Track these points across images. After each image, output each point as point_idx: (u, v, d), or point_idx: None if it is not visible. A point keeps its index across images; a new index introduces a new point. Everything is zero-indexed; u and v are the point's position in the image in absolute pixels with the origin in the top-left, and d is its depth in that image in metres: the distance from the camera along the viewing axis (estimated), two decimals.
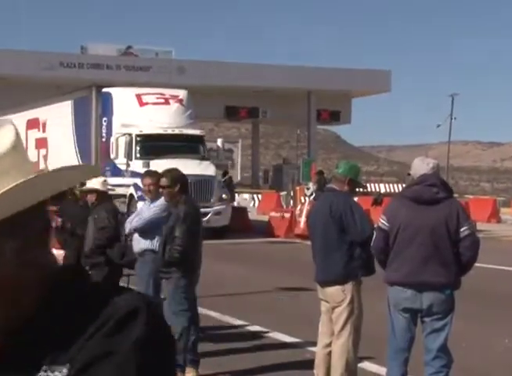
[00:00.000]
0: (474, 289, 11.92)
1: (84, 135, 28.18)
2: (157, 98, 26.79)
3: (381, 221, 6.26)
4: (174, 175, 8.07)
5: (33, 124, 32.93)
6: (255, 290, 13.76)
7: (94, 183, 8.97)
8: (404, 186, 6.86)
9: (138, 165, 23.84)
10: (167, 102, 26.72)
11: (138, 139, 25.25)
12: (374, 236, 6.35)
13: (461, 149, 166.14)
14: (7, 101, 45.38)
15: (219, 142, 29.00)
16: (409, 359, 6.30)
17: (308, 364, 7.62)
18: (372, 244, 6.37)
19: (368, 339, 7.12)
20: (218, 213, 23.59)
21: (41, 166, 30.01)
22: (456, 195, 6.66)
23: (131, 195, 24.04)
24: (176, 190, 7.85)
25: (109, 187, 10.11)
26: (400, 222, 6.13)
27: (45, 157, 31.55)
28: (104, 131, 26.99)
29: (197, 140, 25.92)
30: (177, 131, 25.54)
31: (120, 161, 25.23)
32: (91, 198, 9.20)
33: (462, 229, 6.10)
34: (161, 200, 8.61)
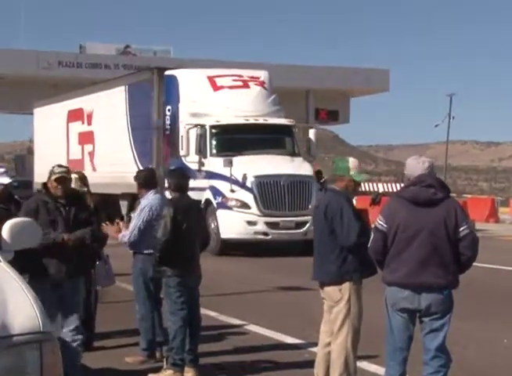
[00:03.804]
0: (473, 288, 11.94)
1: (141, 128, 23.29)
2: (234, 80, 21.94)
3: (379, 222, 6.24)
4: (170, 173, 8.40)
5: (75, 115, 28.08)
6: (254, 289, 13.77)
7: None
8: (402, 185, 6.84)
9: (215, 164, 20.06)
10: (246, 85, 21.93)
11: (214, 131, 20.64)
12: (371, 236, 6.33)
13: (459, 148, 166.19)
14: (5, 100, 45.45)
15: (311, 133, 22.52)
16: (407, 358, 6.31)
17: (308, 364, 7.64)
18: (369, 245, 6.36)
19: (366, 338, 7.13)
20: None
21: (87, 165, 26.33)
22: (453, 195, 6.66)
23: (208, 201, 19.99)
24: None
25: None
26: (399, 223, 6.12)
27: (91, 155, 26.67)
28: (168, 122, 22.08)
29: (286, 131, 21.40)
30: (261, 121, 20.93)
31: (192, 159, 20.63)
32: None
33: (461, 229, 6.10)
34: (147, 199, 8.64)
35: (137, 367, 8.25)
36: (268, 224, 19.29)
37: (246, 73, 22.51)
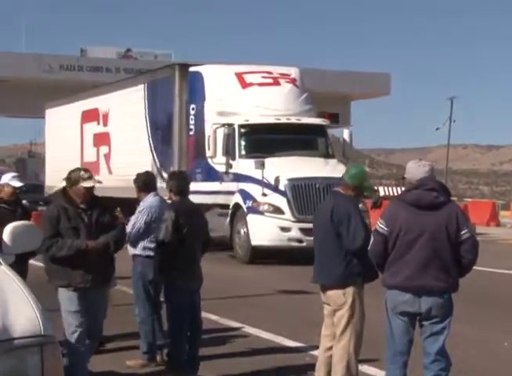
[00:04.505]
0: (473, 292, 11.93)
1: (162, 129, 21.99)
2: (264, 77, 20.61)
3: (379, 225, 6.23)
4: (170, 176, 8.36)
5: (90, 115, 26.71)
6: (255, 293, 13.76)
7: None
8: (403, 189, 6.84)
9: (245, 165, 18.84)
10: (276, 82, 20.65)
11: (243, 130, 19.41)
12: (372, 239, 6.32)
13: (460, 152, 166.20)
14: (7, 103, 45.49)
15: (346, 133, 21.18)
16: (407, 362, 6.31)
17: (309, 368, 7.64)
18: (369, 248, 6.35)
19: (367, 342, 7.13)
20: None
21: (102, 167, 25.19)
22: (454, 198, 6.67)
23: (237, 205, 18.85)
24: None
25: None
26: (400, 227, 6.12)
27: (107, 157, 25.30)
28: (192, 121, 20.69)
29: (319, 132, 20.27)
30: (293, 121, 19.75)
31: (219, 160, 19.44)
32: None
33: (462, 233, 6.12)
34: (147, 201, 8.66)
35: (138, 371, 8.25)
36: (302, 230, 17.71)
37: (276, 70, 21.19)
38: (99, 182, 7.27)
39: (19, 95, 44.38)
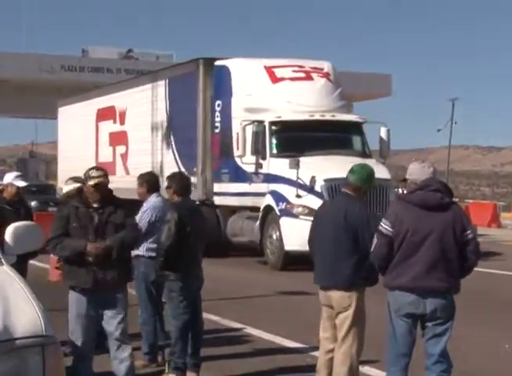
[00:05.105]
0: (474, 294, 11.93)
1: (184, 127, 20.80)
2: (295, 71, 19.33)
3: (384, 226, 6.17)
4: (172, 176, 8.24)
5: (106, 114, 25.53)
6: (256, 294, 13.76)
7: None
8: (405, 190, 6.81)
9: (277, 165, 17.69)
10: (309, 76, 19.34)
11: (274, 128, 18.20)
12: (375, 241, 6.26)
13: (461, 153, 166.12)
14: (8, 104, 45.51)
15: (383, 131, 19.66)
16: (409, 364, 6.29)
17: (310, 368, 7.63)
18: (372, 250, 6.29)
19: (367, 343, 7.12)
20: None
21: (119, 168, 24.11)
22: (455, 199, 6.65)
23: (269, 207, 17.53)
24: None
25: None
26: (407, 228, 6.07)
27: (124, 157, 24.19)
28: (218, 119, 19.56)
29: (355, 129, 19.03)
30: (328, 117, 18.48)
31: (247, 160, 18.29)
32: None
33: (466, 233, 6.11)
34: (150, 202, 8.65)
35: (139, 371, 8.24)
36: None
37: (308, 63, 19.83)
38: (107, 183, 7.15)
39: (21, 96, 44.39)
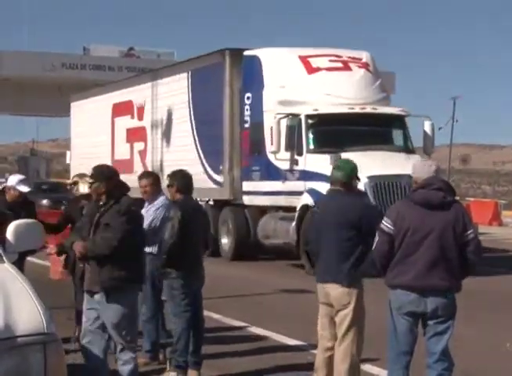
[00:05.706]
0: (475, 292, 11.92)
1: (209, 121, 19.51)
2: (332, 61, 17.91)
3: (385, 224, 6.16)
4: (174, 174, 8.11)
5: (123, 108, 24.24)
6: (257, 292, 13.76)
7: None
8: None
9: (315, 161, 16.16)
10: (347, 67, 17.94)
11: (311, 121, 16.80)
12: (376, 239, 6.27)
13: (462, 151, 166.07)
14: (9, 101, 45.53)
15: (427, 125, 18.25)
16: (410, 362, 6.29)
17: (310, 366, 7.61)
18: (374, 248, 6.29)
19: (368, 340, 7.12)
20: None
21: (137, 165, 22.65)
22: (457, 198, 6.64)
23: (307, 207, 15.82)
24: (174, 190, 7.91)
25: None
26: (409, 226, 6.07)
27: (142, 154, 22.97)
28: (248, 112, 18.27)
29: (397, 123, 17.70)
30: (369, 110, 17.12)
31: (282, 156, 16.99)
32: None
33: (467, 233, 6.10)
34: (160, 200, 8.63)
35: (140, 369, 8.23)
36: None
37: (346, 53, 18.50)
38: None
39: (22, 94, 44.40)
